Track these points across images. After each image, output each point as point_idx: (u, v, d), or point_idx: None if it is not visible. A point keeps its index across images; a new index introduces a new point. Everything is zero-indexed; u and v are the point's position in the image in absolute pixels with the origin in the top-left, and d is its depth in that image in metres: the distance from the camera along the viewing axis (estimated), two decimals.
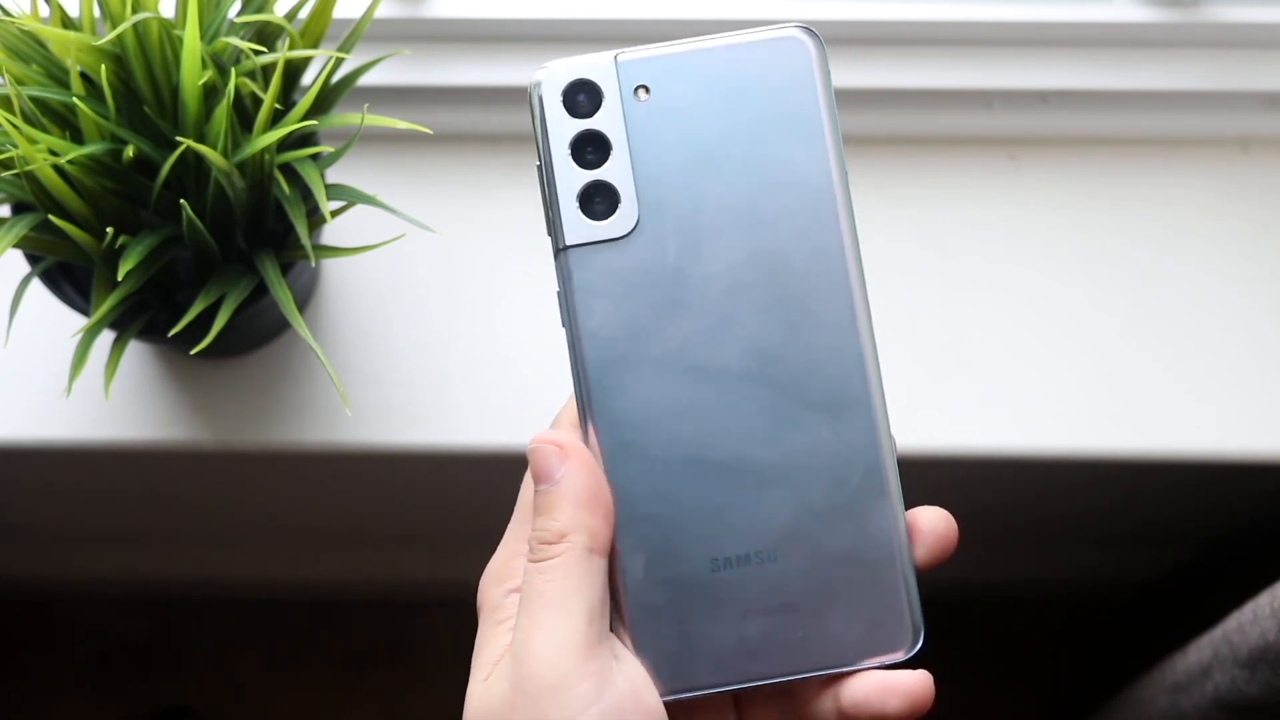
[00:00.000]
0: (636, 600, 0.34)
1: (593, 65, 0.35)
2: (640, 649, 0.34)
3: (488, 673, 0.33)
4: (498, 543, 0.36)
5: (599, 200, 0.35)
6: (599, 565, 0.33)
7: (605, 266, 0.35)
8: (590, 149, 0.35)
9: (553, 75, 0.35)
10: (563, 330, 0.35)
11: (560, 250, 0.35)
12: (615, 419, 0.34)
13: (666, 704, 0.33)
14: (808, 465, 0.35)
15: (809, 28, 0.36)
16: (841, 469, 0.35)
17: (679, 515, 0.34)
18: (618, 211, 0.35)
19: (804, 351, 0.35)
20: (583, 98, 0.35)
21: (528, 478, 0.36)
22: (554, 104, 0.35)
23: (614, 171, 0.35)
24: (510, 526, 0.36)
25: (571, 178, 0.35)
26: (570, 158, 0.35)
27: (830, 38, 0.61)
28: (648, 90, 0.35)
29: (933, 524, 0.35)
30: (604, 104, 0.35)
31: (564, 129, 0.35)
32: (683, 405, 0.34)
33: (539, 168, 0.35)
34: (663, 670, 0.34)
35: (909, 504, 0.35)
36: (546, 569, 0.32)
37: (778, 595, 0.34)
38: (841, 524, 0.35)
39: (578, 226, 0.35)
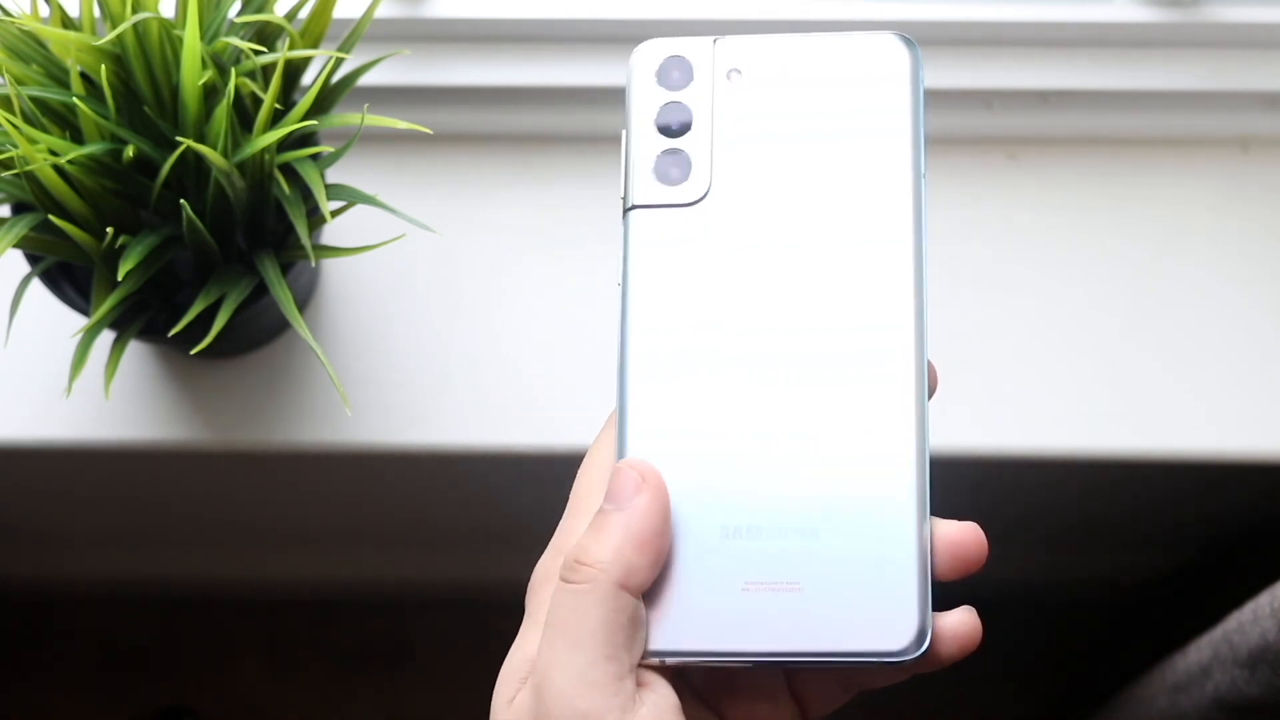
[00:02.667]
0: None
1: (692, 44, 0.37)
2: None
3: (513, 692, 0.32)
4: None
5: (674, 167, 0.36)
6: (627, 602, 0.32)
7: (667, 229, 0.36)
8: (674, 121, 0.36)
9: (651, 48, 0.37)
10: (613, 297, 0.36)
11: (628, 210, 0.36)
12: (651, 376, 0.35)
13: (655, 668, 0.33)
14: (838, 450, 0.34)
15: (906, 35, 0.37)
16: (873, 461, 0.34)
17: (700, 479, 0.34)
18: (689, 179, 0.36)
19: (852, 344, 0.35)
20: (677, 73, 0.37)
21: (584, 469, 0.35)
22: (647, 74, 0.37)
23: (692, 143, 0.36)
24: (562, 522, 0.35)
25: (651, 143, 0.36)
26: (653, 124, 0.36)
27: None
28: (740, 73, 0.36)
29: (960, 537, 0.34)
30: (694, 80, 0.36)
31: (652, 97, 0.36)
32: (721, 374, 0.35)
33: (624, 133, 0.37)
34: (652, 633, 0.33)
35: (942, 512, 0.35)
36: (573, 594, 0.32)
37: (783, 572, 0.34)
38: (863, 513, 0.34)
39: (648, 188, 0.36)
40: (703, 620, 0.33)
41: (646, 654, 0.33)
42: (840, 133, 0.36)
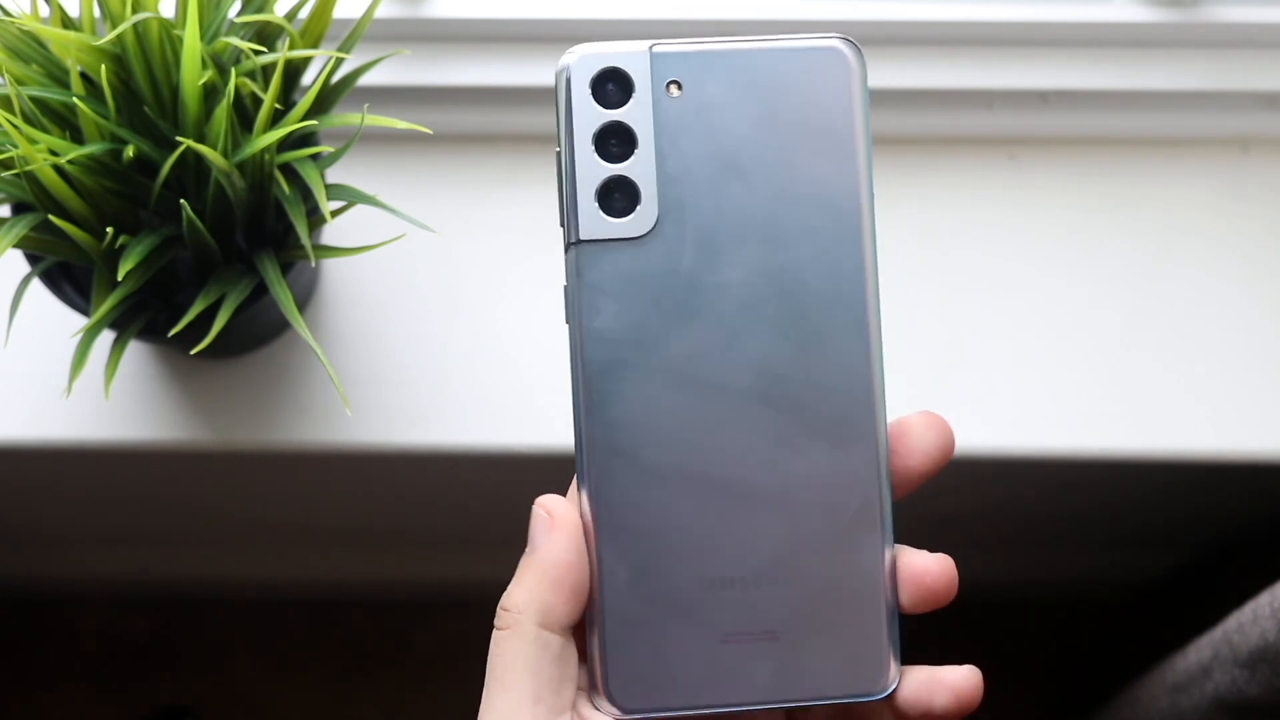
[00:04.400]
0: (614, 614, 0.33)
1: (627, 54, 0.33)
2: (609, 665, 0.33)
3: None
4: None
5: (619, 196, 0.33)
6: (550, 640, 0.33)
7: (617, 266, 0.33)
8: (615, 141, 0.33)
9: (584, 60, 0.33)
10: (565, 326, 0.34)
11: (572, 244, 0.33)
12: (610, 423, 0.33)
13: None
14: (804, 492, 0.34)
15: (851, 40, 0.34)
16: (838, 500, 0.34)
17: (668, 531, 0.33)
18: (637, 210, 0.33)
19: (812, 376, 0.34)
20: (612, 87, 0.33)
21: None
22: (582, 90, 0.33)
23: (637, 168, 0.33)
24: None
25: (593, 170, 0.33)
26: (593, 149, 0.33)
27: None
28: (680, 86, 0.33)
29: (923, 570, 0.34)
30: (634, 96, 0.33)
31: (590, 117, 0.33)
32: (682, 418, 0.33)
33: (558, 154, 0.33)
34: (632, 688, 0.33)
35: (908, 541, 0.35)
36: (499, 640, 0.33)
37: (760, 622, 0.33)
38: (831, 556, 0.34)
39: (594, 222, 0.33)
40: (684, 674, 0.33)
41: (625, 710, 0.33)
42: (786, 152, 0.34)
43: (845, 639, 0.34)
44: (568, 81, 0.33)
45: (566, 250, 0.34)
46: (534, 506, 0.34)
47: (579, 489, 0.34)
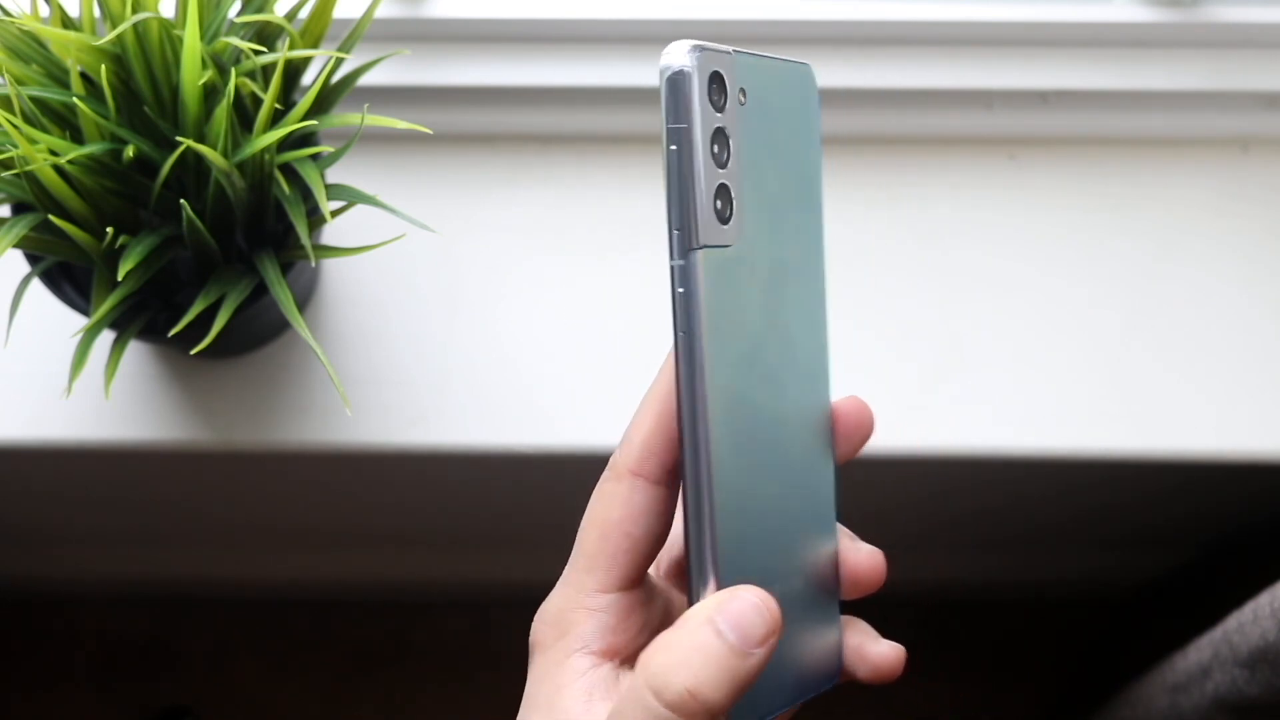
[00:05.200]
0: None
1: (721, 55, 0.32)
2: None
3: None
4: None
5: (722, 203, 0.32)
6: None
7: (721, 272, 0.33)
8: (717, 147, 0.32)
9: (701, 59, 0.32)
10: (675, 335, 0.33)
11: (692, 249, 0.32)
12: (723, 431, 0.32)
13: None
14: (806, 504, 0.35)
15: (807, 64, 0.35)
16: (819, 509, 0.35)
17: (750, 540, 0.33)
18: (733, 219, 0.33)
19: (799, 397, 0.35)
20: (714, 89, 0.32)
21: (588, 519, 0.34)
22: (702, 90, 0.32)
23: (733, 175, 0.33)
24: (570, 570, 0.34)
25: (710, 174, 0.32)
26: (711, 153, 0.32)
27: (830, 38, 0.61)
28: (745, 95, 0.33)
29: (856, 563, 0.36)
30: (727, 100, 0.32)
31: (708, 120, 0.32)
32: (749, 428, 0.33)
33: (675, 154, 0.32)
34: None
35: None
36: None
37: (791, 631, 0.34)
38: (815, 562, 0.35)
39: (711, 227, 0.32)
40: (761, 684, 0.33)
41: None
42: (800, 164, 0.35)
43: (823, 636, 0.35)
44: (689, 79, 0.32)
45: (683, 256, 0.32)
46: (750, 596, 0.31)
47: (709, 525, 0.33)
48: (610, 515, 0.34)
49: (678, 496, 0.34)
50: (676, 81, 0.32)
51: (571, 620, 0.33)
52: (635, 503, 0.33)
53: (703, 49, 0.32)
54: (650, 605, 0.35)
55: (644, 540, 0.34)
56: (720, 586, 0.32)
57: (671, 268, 0.32)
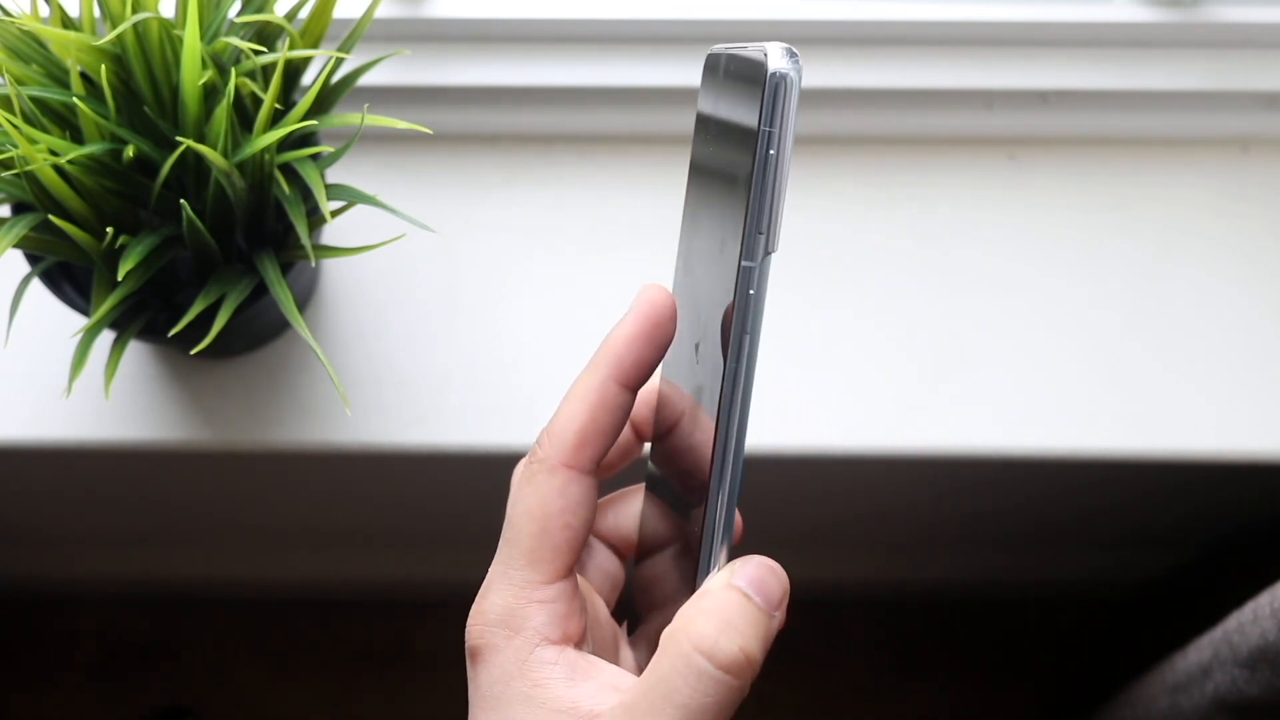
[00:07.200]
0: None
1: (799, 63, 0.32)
2: None
3: None
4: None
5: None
6: None
7: (766, 276, 0.33)
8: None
9: (797, 64, 0.31)
10: (740, 336, 0.33)
11: (768, 253, 0.33)
12: (744, 425, 0.34)
13: None
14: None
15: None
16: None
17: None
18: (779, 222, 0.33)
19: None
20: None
21: (521, 513, 0.35)
22: (798, 98, 0.32)
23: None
24: (507, 567, 0.35)
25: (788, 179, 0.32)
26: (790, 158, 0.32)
27: (830, 38, 0.61)
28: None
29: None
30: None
31: (792, 124, 0.32)
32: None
33: (774, 159, 0.32)
34: None
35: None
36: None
37: None
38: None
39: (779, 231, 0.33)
40: None
41: None
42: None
43: None
44: (793, 85, 0.31)
45: (760, 260, 0.33)
46: (771, 564, 0.34)
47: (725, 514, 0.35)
48: (549, 508, 0.34)
49: (599, 485, 0.36)
50: (781, 85, 0.31)
51: (524, 616, 0.34)
52: (571, 494, 0.34)
53: (796, 54, 0.32)
54: (579, 589, 0.36)
55: (582, 530, 0.35)
56: (730, 558, 0.34)
57: (746, 269, 0.33)
